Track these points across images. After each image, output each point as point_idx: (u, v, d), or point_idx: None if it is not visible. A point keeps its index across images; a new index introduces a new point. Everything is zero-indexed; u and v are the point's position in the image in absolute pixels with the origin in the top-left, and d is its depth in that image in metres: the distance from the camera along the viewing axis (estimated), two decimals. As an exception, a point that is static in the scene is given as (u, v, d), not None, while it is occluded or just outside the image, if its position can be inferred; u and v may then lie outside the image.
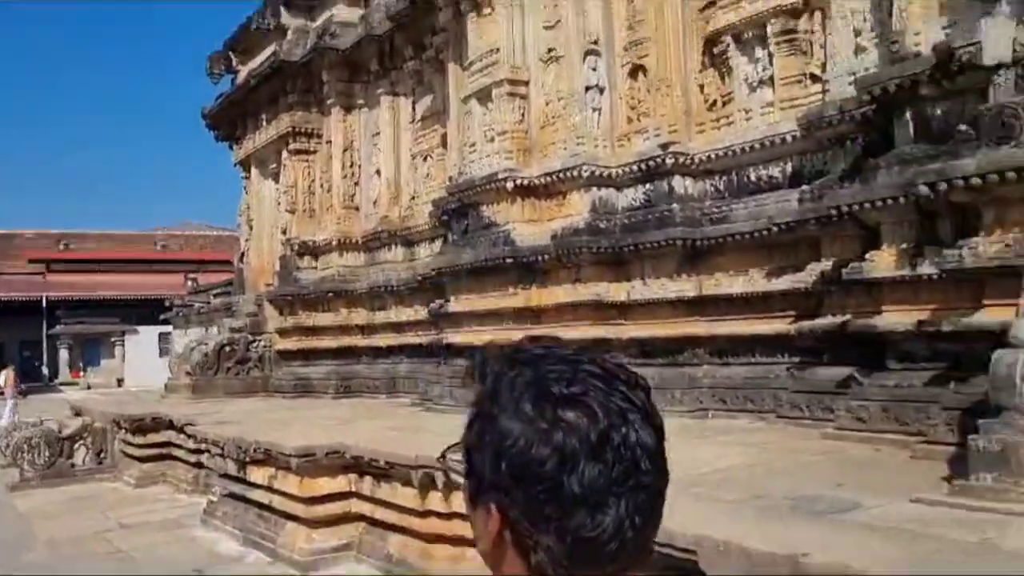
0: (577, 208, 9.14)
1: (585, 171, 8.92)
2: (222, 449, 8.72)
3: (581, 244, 8.71)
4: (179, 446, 11.95)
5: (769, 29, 7.89)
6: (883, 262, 6.23)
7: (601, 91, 9.28)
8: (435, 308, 11.04)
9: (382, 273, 13.26)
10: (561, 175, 9.12)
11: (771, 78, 8.00)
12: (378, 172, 13.78)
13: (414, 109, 13.31)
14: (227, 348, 14.46)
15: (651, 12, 8.91)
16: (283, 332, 14.72)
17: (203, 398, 13.89)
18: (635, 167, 8.83)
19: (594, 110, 9.25)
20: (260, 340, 14.73)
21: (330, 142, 14.42)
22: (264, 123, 15.45)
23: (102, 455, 12.99)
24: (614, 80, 9.29)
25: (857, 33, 7.08)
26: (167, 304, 38.77)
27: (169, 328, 41.86)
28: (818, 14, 7.67)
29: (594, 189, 9.06)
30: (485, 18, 10.04)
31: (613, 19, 9.31)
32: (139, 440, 12.18)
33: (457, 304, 10.13)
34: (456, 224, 11.00)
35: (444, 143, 12.50)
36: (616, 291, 8.79)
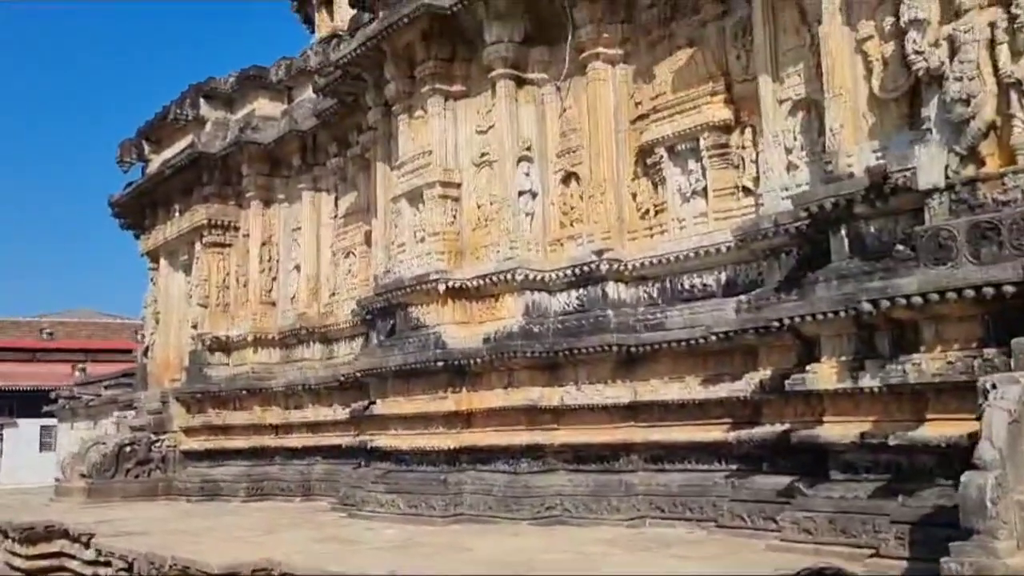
0: (510, 311, 9.10)
1: (519, 275, 8.93)
2: (130, 565, 8.13)
3: (515, 348, 8.65)
4: (74, 557, 11.11)
5: (702, 143, 8.16)
6: (824, 374, 6.35)
7: (534, 196, 9.38)
8: (359, 409, 10.74)
9: (299, 371, 12.88)
10: (494, 278, 9.10)
11: (704, 189, 8.23)
12: (297, 268, 13.51)
13: (336, 205, 13.19)
14: (128, 448, 13.70)
15: (585, 122, 9.11)
16: (190, 431, 14.06)
17: (100, 502, 13.04)
18: (569, 272, 8.89)
19: (527, 214, 9.32)
20: (164, 439, 14.01)
21: (247, 235, 14.12)
22: (177, 214, 15.03)
23: (-16, 567, 11.95)
24: (547, 185, 9.41)
25: (788, 151, 7.38)
26: (52, 396, 36.78)
27: (53, 421, 39.70)
28: (749, 131, 7.97)
29: (527, 293, 9.06)
30: (417, 120, 10.10)
31: (546, 126, 9.48)
32: (27, 551, 11.27)
33: (383, 406, 9.87)
34: (381, 324, 10.82)
35: (368, 240, 12.37)
36: (550, 396, 8.71)
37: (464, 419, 9.19)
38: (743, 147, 8.01)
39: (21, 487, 37.15)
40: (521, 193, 9.33)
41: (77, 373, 43.34)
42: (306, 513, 10.75)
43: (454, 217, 9.71)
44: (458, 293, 9.42)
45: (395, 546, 7.40)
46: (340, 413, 12.08)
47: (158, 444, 13.93)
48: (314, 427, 12.67)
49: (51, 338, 46.86)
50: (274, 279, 13.81)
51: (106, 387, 32.52)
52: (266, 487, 12.85)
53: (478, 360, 8.92)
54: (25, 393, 41.04)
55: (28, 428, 41.14)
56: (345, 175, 12.99)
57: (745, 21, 8.03)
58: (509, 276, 8.98)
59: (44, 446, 40.71)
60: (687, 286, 8.28)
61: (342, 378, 11.01)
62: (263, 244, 13.80)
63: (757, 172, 7.81)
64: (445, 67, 9.83)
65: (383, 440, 9.83)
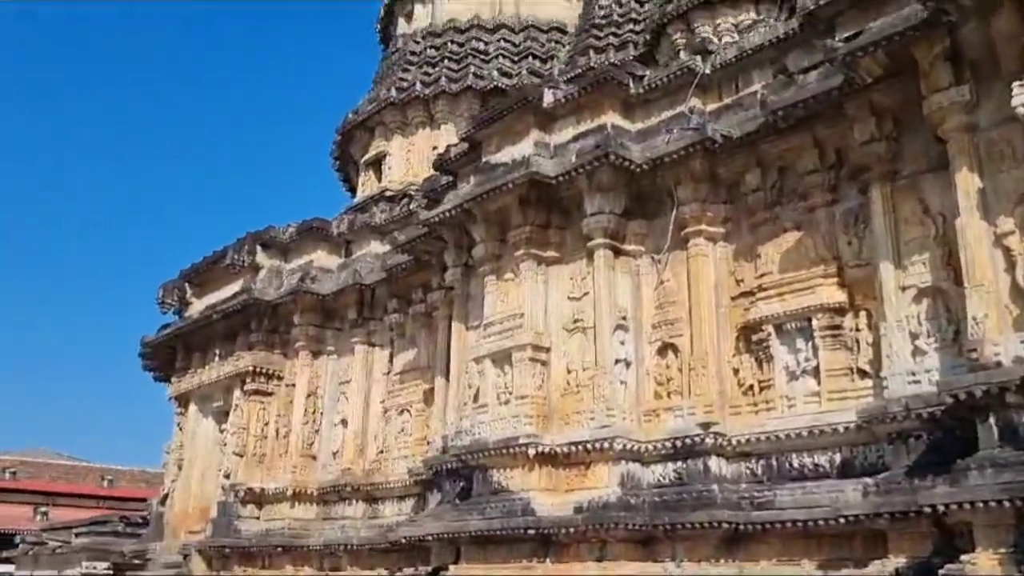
0: (603, 481, 8.90)
1: (617, 444, 8.80)
2: None
3: (614, 519, 8.39)
4: None
5: (814, 323, 8.28)
6: (984, 564, 6.20)
7: (628, 365, 9.38)
8: (419, 575, 10.26)
9: (340, 530, 12.37)
10: (588, 446, 8.96)
11: (815, 369, 8.28)
12: (343, 422, 13.23)
13: (391, 361, 13.09)
14: (144, 605, 12.84)
15: (684, 295, 9.25)
16: (211, 589, 13.30)
17: (110, 664, 12.10)
18: (668, 444, 8.78)
19: (621, 383, 9.28)
20: (182, 597, 13.21)
21: (291, 385, 13.88)
22: (216, 359, 14.79)
23: None
24: (641, 355, 9.43)
25: (914, 337, 7.49)
26: (16, 540, 34.74)
27: (10, 568, 37.32)
28: (863, 314, 8.11)
29: (623, 463, 8.90)
30: (507, 282, 10.19)
31: (642, 297, 9.60)
32: None
33: (462, 572, 9.43)
34: (449, 485, 10.52)
35: (427, 399, 12.21)
36: (650, 571, 8.40)
37: (550, 590, 8.80)
38: (858, 329, 8.12)
39: (-37, 640, 34.39)
40: (616, 362, 9.32)
41: (39, 517, 41.26)
42: None
43: (542, 381, 9.64)
44: (546, 459, 9.23)
45: None
46: (386, 577, 11.55)
47: (176, 602, 13.11)
48: (353, 591, 12.04)
49: (13, 478, 44.83)
50: (316, 432, 13.48)
51: (77, 534, 30.92)
52: (295, 655, 12.05)
53: (570, 530, 8.62)
54: (-20, 535, 38.78)
55: (-20, 575, 38.61)
56: (404, 331, 12.95)
57: (856, 210, 8.35)
58: (605, 445, 8.84)
59: (-5, 595, 38.15)
60: (796, 465, 8.17)
61: (402, 540, 10.51)
62: (308, 395, 13.56)
63: (874, 355, 7.90)
64: (540, 233, 10.02)
65: (457, 610, 9.33)
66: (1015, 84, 6.61)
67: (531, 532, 8.77)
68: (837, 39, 8.43)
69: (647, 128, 9.94)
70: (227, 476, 13.69)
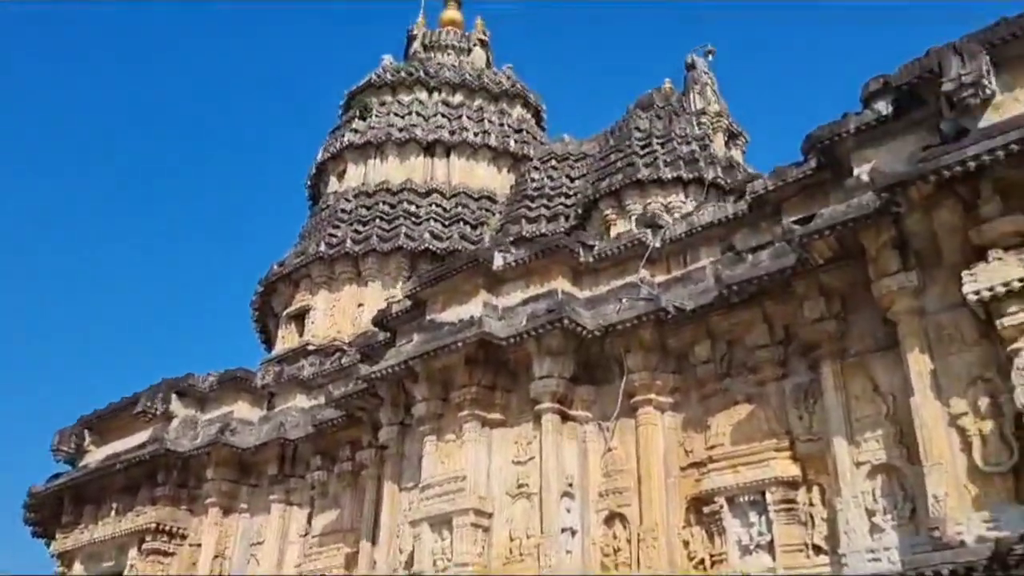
0: (546, 658, 8.42)
1: (564, 618, 8.40)
2: None
3: None
4: None
5: (768, 496, 8.26)
6: None
7: (573, 534, 9.10)
8: None
9: None
10: (534, 619, 8.51)
11: (769, 544, 8.19)
12: (251, 588, 12.29)
13: (310, 522, 12.40)
14: None
15: (633, 464, 9.17)
16: None
17: None
18: (616, 619, 8.44)
19: (567, 552, 8.97)
20: None
21: (196, 545, 12.94)
22: (112, 513, 13.72)
23: None
24: (587, 524, 9.20)
25: (871, 513, 7.53)
26: None
27: None
28: (816, 488, 8.16)
29: (567, 639, 8.47)
30: (448, 443, 9.92)
31: (588, 464, 9.47)
32: None
33: None
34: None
35: (349, 564, 11.52)
36: None
37: None
38: (811, 504, 8.14)
39: None
40: (563, 530, 9.03)
41: None
42: None
43: (483, 548, 9.24)
44: (485, 634, 8.72)
45: None
46: None
47: None
48: None
49: None
50: (221, 600, 12.45)
51: None
52: None
53: None
54: None
55: None
56: (326, 490, 12.35)
57: (806, 385, 8.56)
58: (552, 618, 8.43)
59: None
60: (751, 655, 7.93)
61: None
62: (215, 557, 12.62)
63: (829, 531, 7.90)
64: (486, 394, 9.88)
65: None
66: (964, 273, 7.04)
67: None
68: (784, 222, 8.93)
69: (596, 296, 10.11)
70: (114, 646, 12.42)
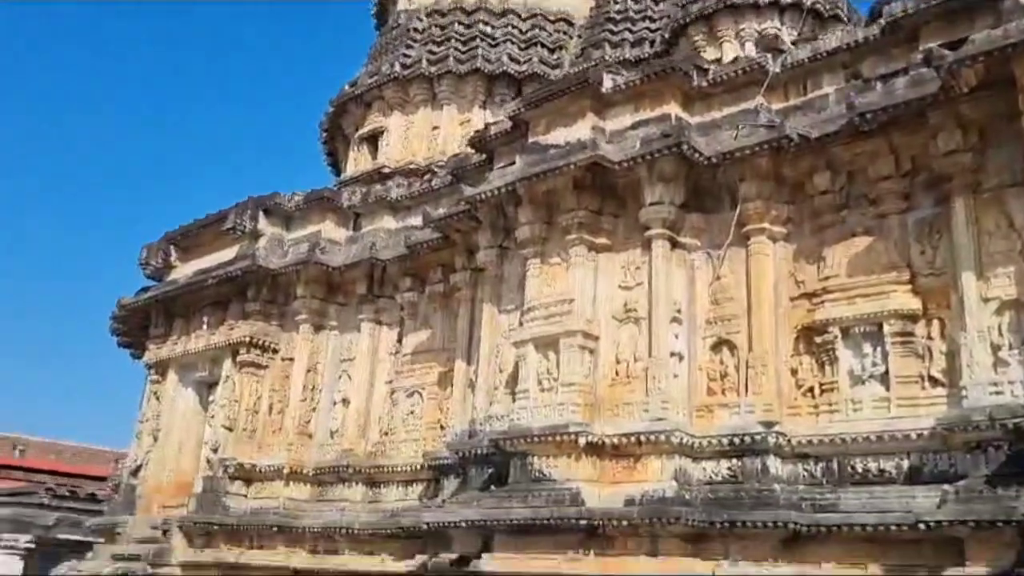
0: (656, 475, 8.74)
1: (674, 438, 8.65)
2: None
3: (673, 514, 8.22)
4: None
5: (885, 328, 8.27)
6: (1086, 577, 6.25)
7: (680, 359, 9.23)
8: (442, 563, 9.93)
9: (339, 512, 11.89)
10: (643, 438, 8.78)
11: (883, 375, 8.27)
12: (344, 401, 12.75)
13: (400, 341, 12.68)
14: (119, 581, 12.16)
15: (743, 293, 9.17)
16: (193, 566, 12.64)
17: (84, 641, 11.41)
18: (723, 441, 8.68)
19: (674, 376, 9.13)
20: (158, 574, 12.51)
21: (287, 360, 13.33)
22: (204, 327, 14.11)
23: None
24: (694, 350, 9.31)
25: (996, 348, 7.54)
26: (-76, 508, 32.71)
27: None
28: (936, 323, 8.15)
29: (676, 457, 8.75)
30: (554, 267, 9.95)
31: (695, 291, 9.48)
32: None
33: (495, 563, 9.12)
34: (476, 472, 10.23)
35: (441, 382, 11.87)
36: (701, 568, 8.27)
37: (592, 583, 8.60)
38: (930, 338, 8.15)
39: None
40: (671, 355, 9.17)
41: (-56, 485, 39.03)
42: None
43: (590, 370, 9.43)
44: (594, 449, 9.03)
45: None
46: (390, 564, 11.17)
47: (152, 578, 12.42)
48: (350, 576, 11.60)
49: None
50: (314, 410, 12.96)
51: (-2, 504, 29.32)
52: (285, 639, 11.54)
53: (623, 523, 8.44)
54: None
55: None
56: (416, 311, 12.56)
57: (930, 219, 8.39)
58: (662, 438, 8.68)
59: None
60: (860, 469, 8.14)
61: (424, 525, 10.11)
62: (308, 371, 13.02)
63: (947, 364, 7.94)
64: (592, 219, 9.80)
65: (491, 600, 9.02)
66: None
67: (581, 523, 8.55)
68: (922, 48, 8.50)
69: (708, 122, 9.83)
70: (214, 450, 13.05)
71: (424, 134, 16.72)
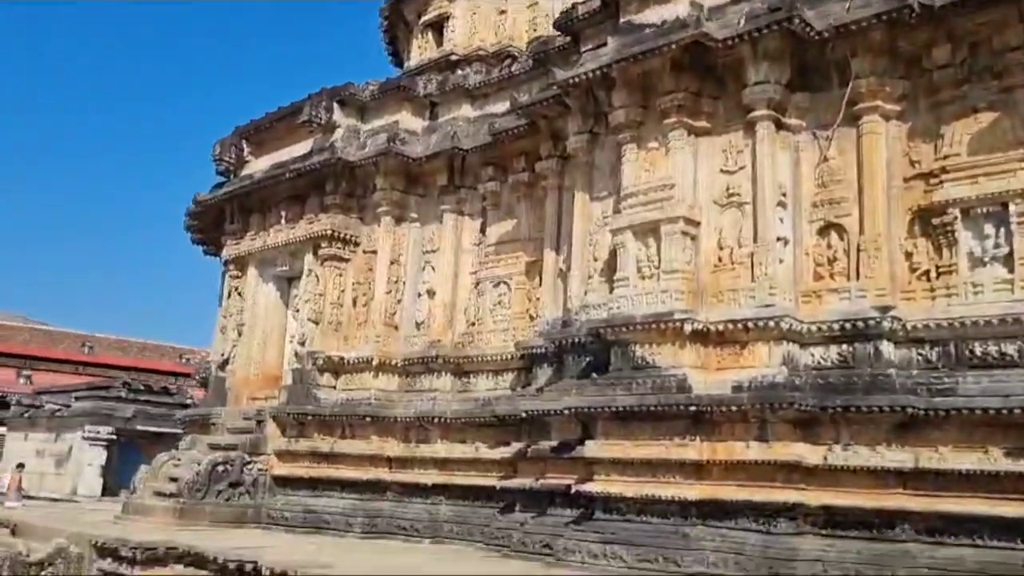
0: (763, 360, 8.64)
1: (784, 324, 8.51)
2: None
3: (785, 399, 8.17)
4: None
5: (1011, 209, 7.95)
6: None
7: (786, 244, 9.01)
8: (540, 449, 10.05)
9: (430, 402, 12.04)
10: (750, 324, 8.65)
11: (1006, 256, 7.99)
12: (429, 292, 12.75)
13: (483, 232, 12.56)
14: (220, 468, 12.52)
15: (853, 174, 8.85)
16: (286, 455, 12.98)
17: (191, 526, 11.84)
18: (834, 326, 8.52)
19: (780, 260, 8.93)
20: (257, 462, 12.88)
21: (368, 252, 13.31)
22: (282, 221, 14.10)
23: (74, 588, 10.66)
24: (799, 235, 9.07)
25: None
26: (10, 401, 34.08)
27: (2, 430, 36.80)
28: (1066, 203, 7.80)
29: (784, 343, 8.63)
30: (651, 151, 9.67)
31: (801, 174, 9.18)
32: (142, 573, 10.09)
33: (598, 449, 9.19)
34: (572, 361, 10.21)
35: (529, 272, 11.79)
36: (811, 453, 8.24)
37: (702, 470, 8.63)
38: (1058, 218, 7.83)
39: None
40: (777, 239, 8.94)
41: (22, 380, 40.53)
42: (483, 559, 9.87)
43: (691, 256, 9.25)
44: (699, 336, 8.94)
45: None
46: (484, 451, 11.34)
47: (250, 467, 12.79)
48: (443, 464, 11.82)
49: (-13, 340, 43.77)
50: (399, 302, 12.98)
51: (77, 398, 30.43)
52: (380, 525, 11.85)
53: (732, 408, 8.41)
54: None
55: (-37, 434, 37.95)
56: (499, 201, 12.39)
57: (1063, 91, 7.95)
58: (770, 323, 8.54)
59: (-19, 457, 37.63)
60: (979, 352, 7.96)
61: (522, 413, 10.20)
62: (391, 263, 12.99)
63: (1077, 245, 7.64)
64: (692, 101, 9.45)
65: (596, 486, 9.12)
66: None
67: (689, 409, 8.54)
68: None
69: (814, -8, 9.31)
70: (302, 343, 13.21)
71: (490, 19, 16.11)
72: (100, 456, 28.60)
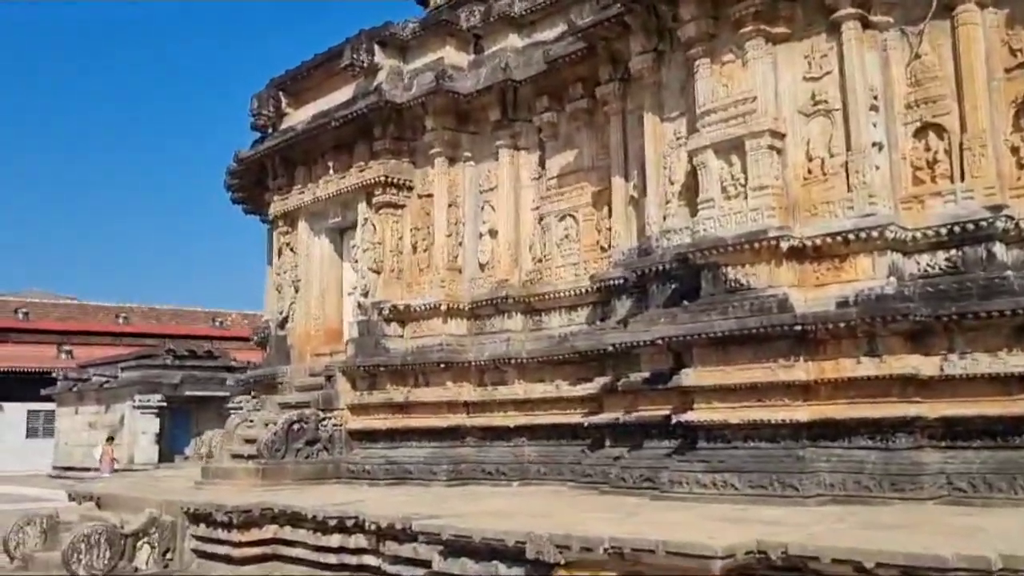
0: (866, 273, 8.28)
1: (888, 233, 8.13)
2: (496, 547, 7.03)
3: (897, 311, 7.84)
4: (295, 544, 9.94)
5: None
6: None
7: (880, 149, 8.58)
8: (631, 382, 9.80)
9: (504, 343, 11.80)
10: (850, 236, 8.28)
11: None
12: (491, 232, 12.42)
13: (542, 165, 12.17)
14: (296, 426, 12.39)
15: (947, 69, 8.38)
16: (360, 408, 12.84)
17: (274, 485, 11.75)
18: (940, 231, 8.14)
19: (875, 168, 8.52)
20: (331, 418, 12.75)
21: (423, 196, 12.98)
22: (330, 172, 13.76)
23: (168, 556, 10.63)
24: (894, 138, 8.63)
25: None
26: (54, 376, 34.39)
27: (44, 405, 37.26)
28: None
29: (888, 253, 8.26)
30: (727, 65, 9.20)
31: (891, 74, 8.70)
32: (239, 537, 10.01)
33: (700, 376, 8.91)
34: (656, 289, 9.90)
35: (596, 202, 11.42)
36: (926, 365, 7.94)
37: (810, 390, 8.36)
38: None
39: (7, 474, 34.65)
40: (872, 144, 8.52)
41: (63, 355, 40.82)
42: (580, 497, 9.71)
43: (779, 171, 8.85)
44: (795, 253, 8.59)
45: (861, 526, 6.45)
46: (565, 389, 11.13)
47: (324, 423, 12.66)
48: (522, 405, 11.62)
49: (26, 318, 44.02)
50: (460, 244, 12.67)
51: (123, 369, 30.59)
52: (464, 471, 11.73)
53: (840, 324, 8.09)
54: (9, 375, 38.31)
55: (13, 413, 38.48)
56: (556, 132, 11.97)
57: None
58: (873, 234, 8.16)
59: (32, 432, 38.20)
60: (1101, 248, 7.60)
61: (609, 347, 9.93)
62: (449, 205, 12.65)
63: None
64: (768, 6, 8.95)
65: (698, 415, 8.88)
66: None
67: (793, 329, 8.23)
68: None
69: None
70: (364, 294, 12.96)
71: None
72: (153, 424, 28.90)
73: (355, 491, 11.28)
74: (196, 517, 10.54)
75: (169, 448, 29.25)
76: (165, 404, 29.03)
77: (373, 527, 8.78)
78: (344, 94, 13.63)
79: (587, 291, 11.19)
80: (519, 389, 11.66)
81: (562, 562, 6.61)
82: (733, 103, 9.05)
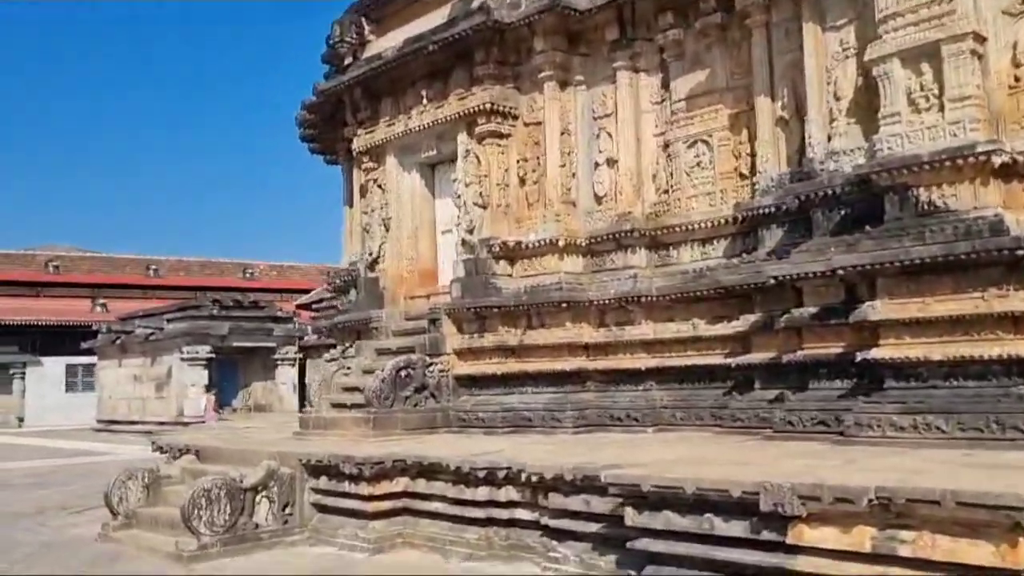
0: (1091, 190, 7.42)
1: (1122, 143, 7.25)
2: (711, 499, 6.28)
3: None
4: (430, 497, 9.24)
5: None
6: None
7: (1101, 50, 7.65)
8: (795, 318, 8.98)
9: (631, 280, 10.97)
10: (1076, 149, 7.39)
11: None
12: (609, 161, 11.53)
13: (666, 88, 11.21)
14: (403, 373, 11.63)
15: None
16: (469, 353, 12.07)
17: (383, 436, 11.03)
18: None
19: (1098, 72, 7.60)
20: (437, 363, 11.98)
21: (530, 124, 12.06)
22: (424, 101, 12.83)
23: (287, 510, 9.95)
24: (1116, 38, 7.69)
25: None
26: (94, 329, 33.79)
27: (81, 359, 36.75)
28: None
29: (1117, 167, 7.38)
30: (914, -38, 8.22)
31: (1111, -34, 7.73)
32: (369, 490, 9.31)
33: (889, 309, 8.07)
34: (823, 216, 9.04)
35: (733, 125, 10.50)
36: None
37: (1010, 321, 7.52)
38: None
39: (49, 428, 34.25)
40: (1096, 46, 7.59)
41: (98, 308, 40.20)
42: (746, 442, 8.94)
43: (980, 79, 7.92)
44: (1004, 170, 7.70)
45: None
46: (703, 328, 10.33)
47: (431, 369, 11.90)
48: (651, 346, 10.84)
49: (56, 272, 43.33)
50: (573, 175, 11.79)
51: (169, 320, 29.91)
52: (590, 417, 10.98)
53: (1064, 249, 7.24)
54: (48, 329, 37.69)
55: (52, 367, 37.96)
56: (682, 51, 10.99)
57: None
58: (1103, 145, 7.29)
59: (71, 386, 37.74)
60: None
61: (771, 280, 9.08)
62: (561, 133, 11.74)
63: None
64: None
65: (887, 351, 8.04)
66: None
67: (1012, 253, 7.36)
68: None
69: None
70: (470, 231, 12.10)
71: None
72: (202, 376, 28.27)
73: (478, 441, 10.54)
74: (317, 469, 9.84)
75: (218, 400, 28.68)
76: (213, 356, 28.41)
77: (535, 479, 8.05)
78: (435, 18, 12.66)
79: (726, 221, 10.33)
80: (647, 329, 10.86)
81: (804, 515, 5.85)
82: (925, 4, 8.07)
